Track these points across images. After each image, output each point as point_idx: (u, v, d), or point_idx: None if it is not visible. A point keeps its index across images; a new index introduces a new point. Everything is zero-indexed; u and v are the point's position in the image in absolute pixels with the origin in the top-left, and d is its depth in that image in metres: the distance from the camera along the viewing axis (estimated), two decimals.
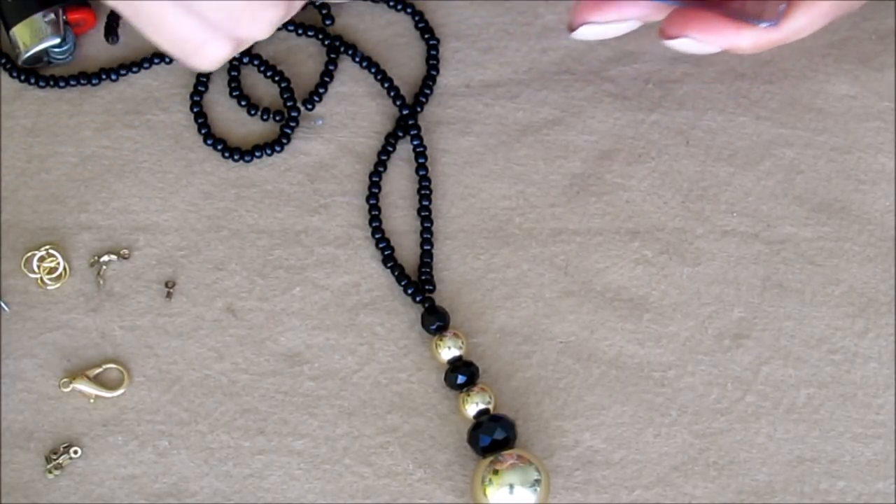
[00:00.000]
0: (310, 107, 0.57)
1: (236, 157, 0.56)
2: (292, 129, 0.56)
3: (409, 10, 0.59)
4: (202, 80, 0.57)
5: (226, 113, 0.57)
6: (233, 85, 0.57)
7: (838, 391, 0.52)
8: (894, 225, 0.55)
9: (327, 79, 0.57)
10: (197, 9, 0.45)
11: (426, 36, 0.59)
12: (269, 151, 0.56)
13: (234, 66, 0.58)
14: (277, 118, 0.57)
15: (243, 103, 0.57)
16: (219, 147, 0.56)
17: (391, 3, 0.59)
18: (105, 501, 0.50)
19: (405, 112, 0.57)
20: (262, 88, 0.58)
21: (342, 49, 0.58)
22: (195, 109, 0.57)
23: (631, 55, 0.59)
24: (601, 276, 0.54)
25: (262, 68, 0.58)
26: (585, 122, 0.57)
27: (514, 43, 0.59)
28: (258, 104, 0.57)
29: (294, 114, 0.56)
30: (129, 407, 0.52)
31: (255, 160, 0.56)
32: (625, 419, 0.52)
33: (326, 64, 0.58)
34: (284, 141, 0.56)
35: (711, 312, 0.54)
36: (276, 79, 0.57)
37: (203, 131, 0.56)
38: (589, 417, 0.52)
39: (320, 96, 0.57)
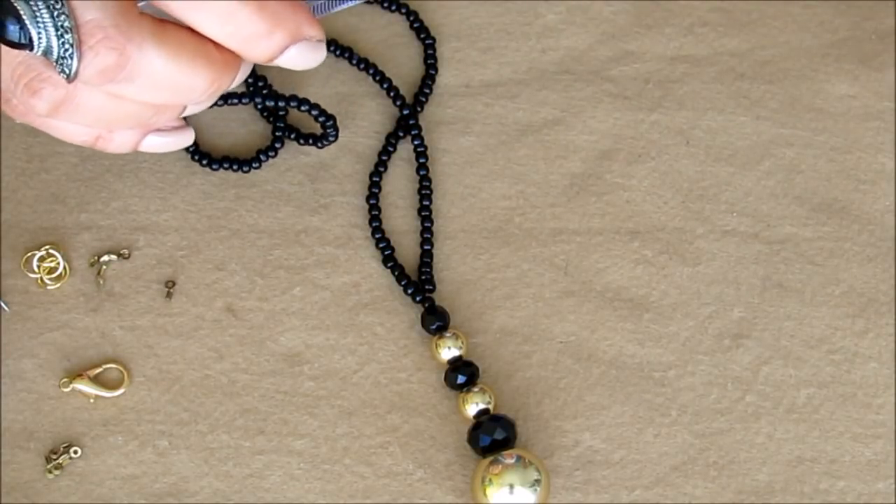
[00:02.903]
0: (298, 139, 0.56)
1: (203, 163, 0.56)
2: (266, 155, 0.56)
3: (403, 11, 0.59)
4: None
5: (224, 118, 0.57)
6: (260, 84, 0.58)
7: (838, 391, 0.52)
8: (894, 225, 0.55)
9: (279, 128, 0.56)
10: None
11: (422, 36, 0.59)
12: (234, 167, 0.56)
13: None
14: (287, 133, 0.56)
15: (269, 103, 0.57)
16: (190, 149, 0.56)
17: (385, 4, 0.59)
18: (105, 501, 0.50)
19: (405, 112, 0.57)
20: None
21: (338, 52, 0.58)
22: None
23: (631, 55, 0.59)
24: (601, 276, 0.54)
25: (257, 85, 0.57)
26: (585, 122, 0.57)
27: (514, 43, 0.59)
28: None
29: (278, 133, 0.56)
30: (129, 407, 0.52)
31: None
32: (625, 419, 0.52)
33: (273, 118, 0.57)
34: (255, 165, 0.56)
35: (711, 312, 0.54)
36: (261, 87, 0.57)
37: None
38: (589, 417, 0.52)
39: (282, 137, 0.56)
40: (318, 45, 0.47)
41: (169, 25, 0.45)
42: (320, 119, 0.54)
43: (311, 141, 0.56)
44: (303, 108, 0.53)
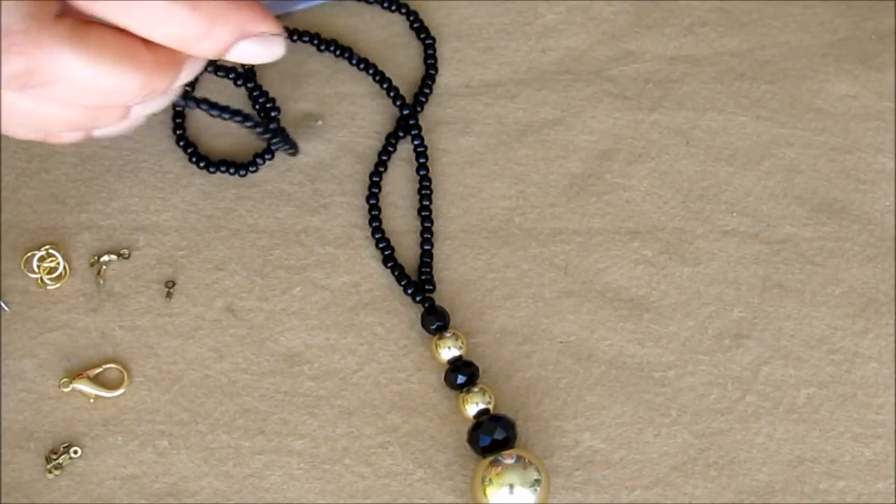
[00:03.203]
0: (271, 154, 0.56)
1: (201, 165, 0.55)
2: (263, 159, 0.56)
3: (403, 11, 0.59)
4: (191, 81, 0.57)
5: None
6: (251, 88, 0.57)
7: (838, 391, 0.52)
8: (894, 225, 0.55)
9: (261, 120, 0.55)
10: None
11: (422, 36, 0.59)
12: (231, 170, 0.55)
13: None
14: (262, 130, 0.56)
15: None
16: (188, 150, 0.56)
17: (385, 4, 0.59)
18: (105, 501, 0.50)
19: (405, 112, 0.57)
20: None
21: (338, 52, 0.58)
22: (177, 108, 0.56)
23: (631, 55, 0.59)
24: (601, 276, 0.54)
25: (236, 79, 0.57)
26: (585, 122, 0.57)
27: (514, 43, 0.59)
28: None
29: (272, 138, 0.56)
30: (129, 407, 0.52)
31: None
32: (625, 419, 0.52)
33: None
34: (252, 169, 0.56)
35: (711, 312, 0.54)
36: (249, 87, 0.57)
37: (178, 132, 0.56)
38: (589, 417, 0.52)
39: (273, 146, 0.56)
40: (272, 39, 0.45)
41: (93, 27, 0.43)
42: (258, 131, 0.52)
43: (287, 148, 0.55)
44: (246, 123, 0.51)
